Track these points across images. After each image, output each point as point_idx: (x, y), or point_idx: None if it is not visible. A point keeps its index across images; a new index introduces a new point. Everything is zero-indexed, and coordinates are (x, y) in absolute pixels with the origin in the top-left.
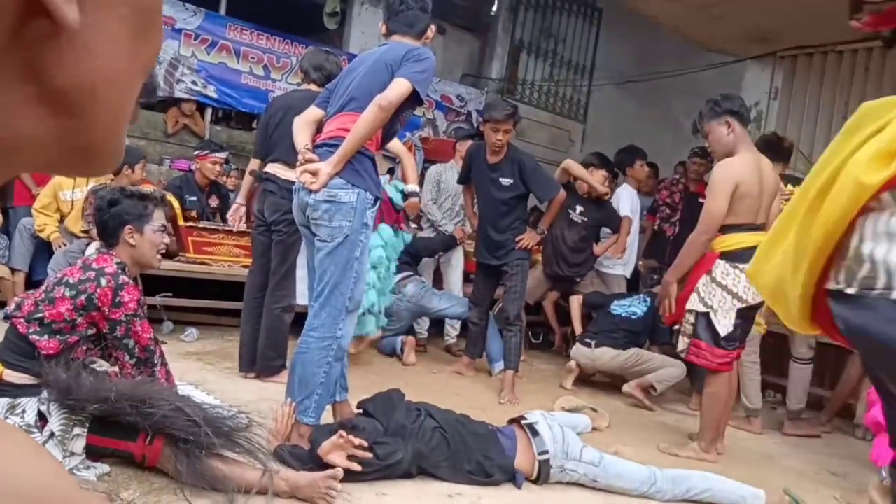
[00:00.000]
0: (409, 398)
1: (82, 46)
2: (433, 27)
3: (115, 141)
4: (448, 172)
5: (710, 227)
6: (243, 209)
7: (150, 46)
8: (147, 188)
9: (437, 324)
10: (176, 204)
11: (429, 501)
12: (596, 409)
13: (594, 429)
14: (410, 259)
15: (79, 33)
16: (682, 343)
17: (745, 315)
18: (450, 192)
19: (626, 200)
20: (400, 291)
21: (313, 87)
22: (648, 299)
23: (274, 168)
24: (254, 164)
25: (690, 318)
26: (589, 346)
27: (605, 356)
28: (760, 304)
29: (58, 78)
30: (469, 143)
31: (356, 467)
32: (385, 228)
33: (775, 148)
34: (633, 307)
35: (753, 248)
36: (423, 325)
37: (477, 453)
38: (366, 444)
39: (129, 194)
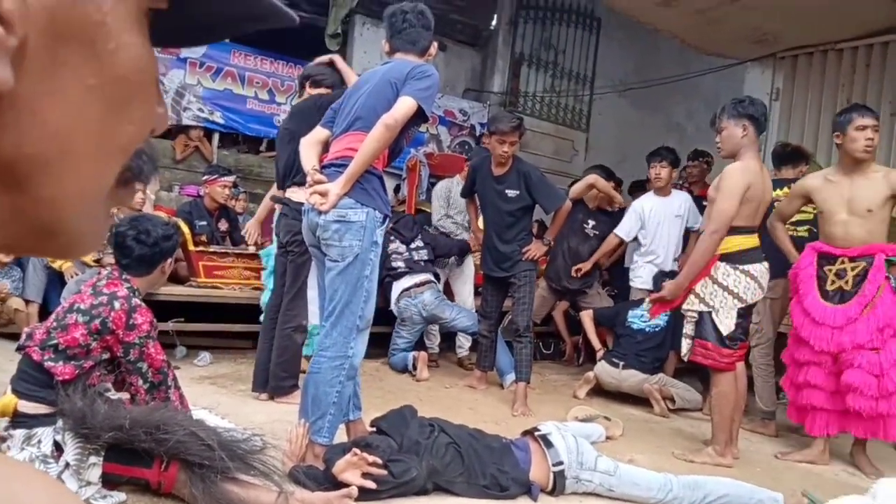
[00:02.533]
0: (423, 413)
1: (28, 113)
2: (435, 44)
3: (82, 222)
4: (455, 187)
5: (722, 225)
6: (254, 228)
7: (130, 123)
8: (161, 215)
9: (449, 337)
10: (186, 229)
11: None
12: (609, 417)
13: (608, 437)
14: (431, 261)
15: (23, 98)
16: (686, 345)
17: (744, 314)
18: (459, 206)
19: (628, 218)
20: (416, 297)
21: (313, 91)
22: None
23: (289, 192)
24: (274, 189)
25: (692, 319)
26: (617, 366)
27: (633, 379)
28: (756, 303)
29: (1, 147)
30: None
31: (371, 485)
32: None
33: (790, 156)
34: (655, 319)
35: (751, 250)
36: (434, 340)
37: (491, 467)
38: (380, 461)
39: (175, 229)
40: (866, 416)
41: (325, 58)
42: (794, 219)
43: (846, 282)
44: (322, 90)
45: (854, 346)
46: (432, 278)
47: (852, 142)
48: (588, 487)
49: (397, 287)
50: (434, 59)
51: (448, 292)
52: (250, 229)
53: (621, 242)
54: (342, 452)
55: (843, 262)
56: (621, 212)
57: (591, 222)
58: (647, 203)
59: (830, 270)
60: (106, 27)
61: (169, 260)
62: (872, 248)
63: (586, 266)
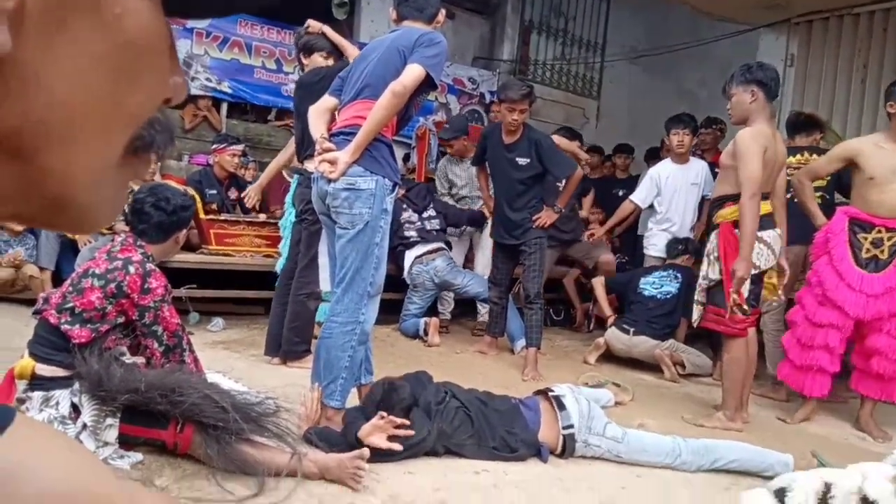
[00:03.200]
0: (435, 379)
1: (32, 80)
2: (443, 12)
3: (93, 194)
4: (451, 165)
5: (756, 188)
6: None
7: (139, 92)
8: (172, 184)
9: (461, 304)
10: (196, 197)
11: (456, 478)
12: (619, 384)
13: (618, 403)
14: (443, 230)
15: (26, 65)
16: (697, 312)
17: (757, 280)
18: (461, 181)
19: (643, 185)
20: (428, 264)
21: (307, 61)
22: (679, 275)
23: (306, 163)
24: (279, 158)
25: (704, 286)
26: (627, 332)
27: (643, 345)
28: (769, 269)
29: (3, 112)
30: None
31: (398, 447)
32: None
33: (804, 124)
34: (666, 286)
35: (764, 216)
36: (446, 306)
37: (500, 429)
38: (407, 422)
39: (186, 205)
40: (887, 378)
41: (314, 26)
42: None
43: (882, 251)
44: (316, 56)
45: (891, 315)
46: (444, 246)
47: None
48: (596, 452)
49: (409, 255)
50: (442, 26)
51: (471, 260)
52: (251, 192)
53: (636, 209)
54: (362, 415)
55: (880, 232)
56: (609, 180)
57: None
58: (663, 170)
59: (866, 239)
60: None
61: (183, 230)
62: None
63: (600, 231)
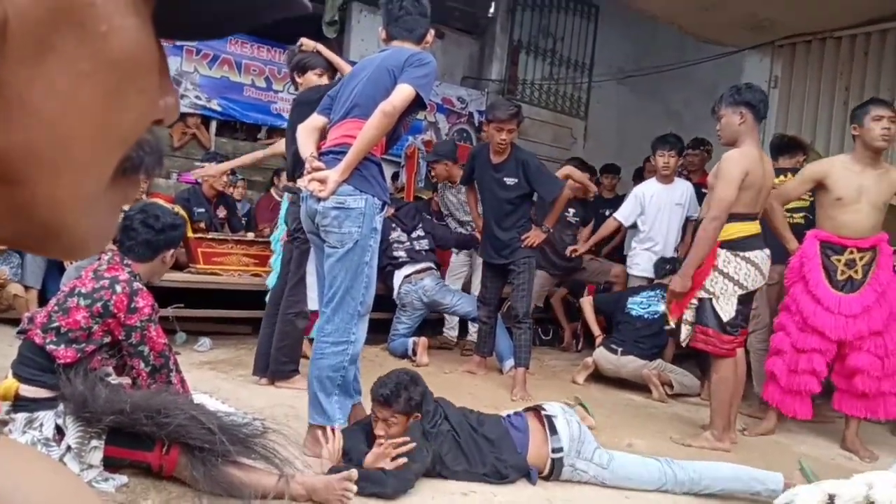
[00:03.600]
0: None
1: (16, 102)
2: (432, 32)
3: (84, 220)
4: (445, 191)
5: (721, 212)
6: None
7: (128, 112)
8: (160, 202)
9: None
10: (184, 216)
11: (444, 500)
12: (587, 407)
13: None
14: (431, 250)
15: (9, 85)
16: (685, 331)
17: (745, 300)
18: (453, 208)
19: (628, 203)
20: (417, 283)
21: (301, 80)
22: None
23: (300, 181)
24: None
25: (692, 306)
26: (615, 352)
27: (631, 365)
28: (757, 290)
29: None
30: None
31: (402, 460)
32: None
33: (788, 145)
34: (653, 305)
35: (752, 237)
36: (451, 325)
37: (490, 457)
38: (408, 440)
39: (174, 225)
40: (870, 396)
41: (307, 44)
42: (791, 205)
43: (855, 271)
44: (310, 75)
45: (871, 333)
46: (433, 265)
47: (869, 132)
48: (582, 477)
49: (399, 275)
50: (431, 46)
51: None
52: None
53: (620, 227)
54: (361, 436)
55: (852, 253)
56: (596, 200)
57: (571, 210)
58: (648, 189)
59: (839, 261)
60: (95, 8)
61: (171, 251)
62: (878, 238)
63: (583, 248)
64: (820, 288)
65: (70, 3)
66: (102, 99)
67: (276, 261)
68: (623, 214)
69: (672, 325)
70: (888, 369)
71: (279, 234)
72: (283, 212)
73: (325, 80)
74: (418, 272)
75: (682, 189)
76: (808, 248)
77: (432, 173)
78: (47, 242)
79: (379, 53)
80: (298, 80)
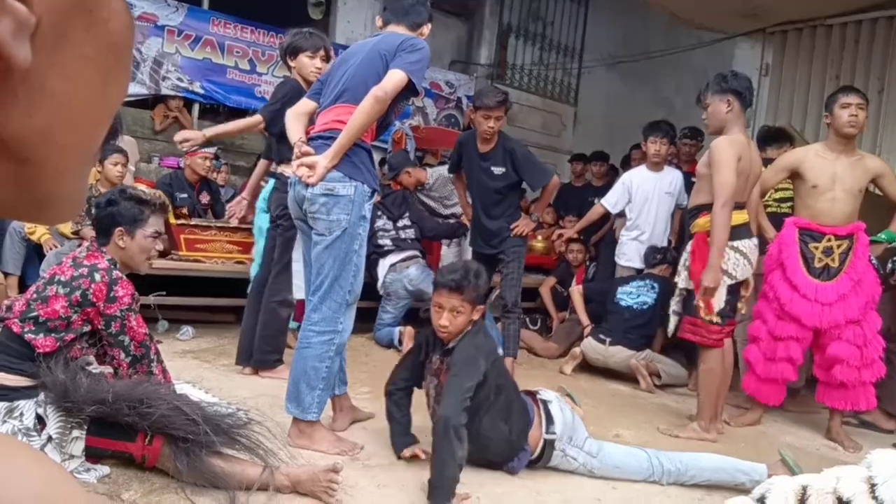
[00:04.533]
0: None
1: (39, 87)
2: (429, 25)
3: (72, 185)
4: (418, 194)
5: (729, 196)
6: (245, 202)
7: (118, 86)
8: (142, 187)
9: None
10: (166, 201)
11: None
12: (574, 397)
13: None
14: (417, 240)
15: (33, 73)
16: (673, 322)
17: (733, 290)
18: (432, 203)
19: (615, 189)
20: (402, 272)
21: (304, 60)
22: (656, 285)
23: (282, 167)
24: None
25: (680, 296)
26: (603, 342)
27: (619, 355)
28: (745, 280)
29: (13, 121)
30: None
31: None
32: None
33: (776, 136)
34: (643, 296)
35: (741, 226)
36: None
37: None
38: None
39: (129, 197)
40: (850, 386)
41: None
42: (777, 196)
43: (832, 259)
44: (302, 57)
45: (847, 321)
46: (418, 254)
47: (838, 119)
48: (571, 465)
49: (384, 264)
50: (426, 38)
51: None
52: (237, 206)
53: (606, 213)
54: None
55: (829, 240)
56: (585, 188)
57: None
58: (636, 176)
59: (817, 248)
60: None
61: (118, 230)
62: (855, 226)
63: (568, 233)
64: (797, 275)
65: None
66: (100, 78)
67: (257, 249)
68: (610, 201)
69: (672, 320)
70: (867, 359)
71: (259, 221)
72: (263, 197)
73: (317, 62)
74: (403, 261)
75: (672, 177)
76: (787, 235)
77: (399, 187)
78: (41, 211)
79: (371, 38)
80: (291, 63)
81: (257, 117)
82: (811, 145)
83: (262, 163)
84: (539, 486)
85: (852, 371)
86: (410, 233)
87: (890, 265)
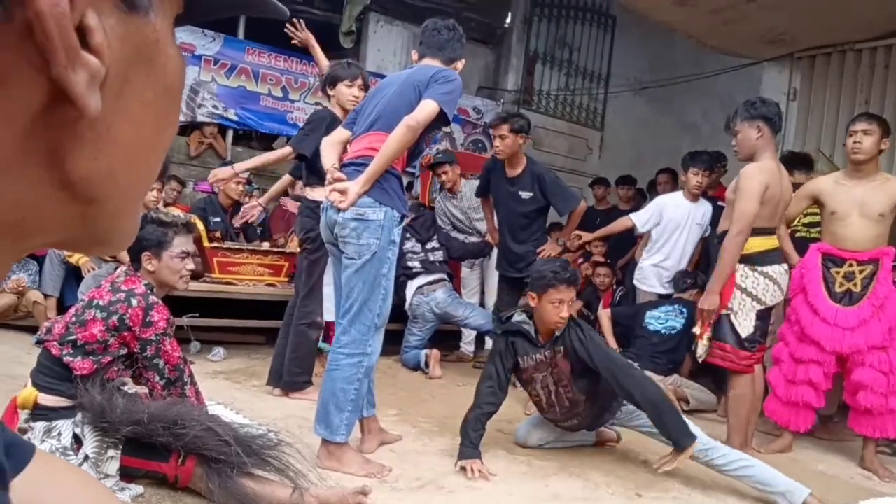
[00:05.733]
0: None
1: (104, 132)
2: (463, 61)
3: (129, 221)
4: (445, 202)
5: (746, 226)
6: (259, 209)
7: (171, 127)
8: (175, 211)
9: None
10: (200, 225)
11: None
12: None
13: (606, 443)
14: (445, 262)
15: (101, 119)
16: (702, 347)
17: (763, 316)
18: (459, 215)
19: (648, 209)
20: (429, 295)
21: (343, 89)
22: (685, 310)
23: (307, 190)
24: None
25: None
26: None
27: None
28: (775, 306)
29: (80, 164)
30: None
31: None
32: None
33: (802, 160)
34: (671, 321)
35: (771, 251)
36: (468, 340)
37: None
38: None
39: (151, 220)
40: (876, 413)
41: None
42: (806, 220)
43: (854, 284)
44: (341, 87)
45: (869, 347)
46: (446, 277)
47: (847, 146)
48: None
49: (412, 286)
50: (460, 73)
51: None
52: (250, 210)
53: (633, 228)
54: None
55: (851, 265)
56: (611, 211)
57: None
58: (671, 201)
59: (839, 273)
60: (159, 44)
61: (146, 254)
62: (879, 252)
63: (588, 237)
64: (818, 299)
65: (144, 40)
66: (156, 120)
67: None
68: (641, 219)
69: (703, 345)
70: (893, 385)
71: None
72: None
73: (355, 90)
74: (431, 283)
75: (705, 210)
76: (810, 259)
77: (443, 177)
78: (99, 246)
79: (406, 70)
80: (331, 92)
81: (287, 149)
82: (833, 173)
83: (286, 177)
84: (561, 491)
85: (878, 398)
86: (439, 255)
87: None
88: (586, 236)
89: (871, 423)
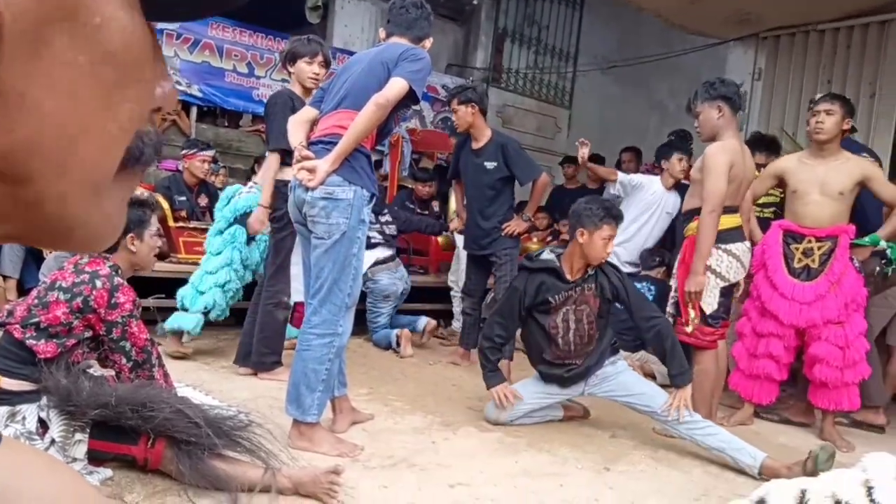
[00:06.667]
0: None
1: (16, 97)
2: (431, 39)
3: (90, 213)
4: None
5: (717, 204)
6: (263, 209)
7: (127, 102)
8: (140, 190)
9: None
10: (165, 205)
11: (430, 492)
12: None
13: (569, 418)
14: (395, 236)
15: (8, 83)
16: (691, 328)
17: (726, 293)
18: None
19: (636, 176)
20: (397, 271)
21: (303, 66)
22: (653, 287)
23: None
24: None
25: (674, 298)
26: None
27: None
28: (737, 283)
29: None
30: None
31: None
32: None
33: (768, 144)
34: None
35: (734, 229)
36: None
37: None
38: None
39: (131, 202)
40: (832, 386)
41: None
42: (761, 200)
43: (812, 260)
44: (300, 63)
45: (824, 321)
46: (395, 252)
47: (809, 126)
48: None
49: (370, 256)
50: (427, 50)
51: None
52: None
53: (615, 179)
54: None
55: (810, 242)
56: (579, 190)
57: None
58: (652, 185)
59: (797, 249)
60: (87, 1)
61: (130, 235)
62: (838, 229)
63: (600, 170)
64: (777, 274)
65: None
66: (102, 91)
67: (206, 260)
68: (624, 178)
69: (695, 324)
70: (849, 360)
71: (216, 227)
72: (221, 203)
73: (315, 67)
74: (391, 260)
75: (675, 199)
76: (771, 236)
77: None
78: (61, 237)
79: (374, 48)
80: (290, 69)
81: (274, 157)
82: (797, 153)
83: (273, 156)
84: (537, 486)
85: (833, 371)
86: (392, 228)
87: (878, 268)
88: (592, 166)
89: (828, 395)
